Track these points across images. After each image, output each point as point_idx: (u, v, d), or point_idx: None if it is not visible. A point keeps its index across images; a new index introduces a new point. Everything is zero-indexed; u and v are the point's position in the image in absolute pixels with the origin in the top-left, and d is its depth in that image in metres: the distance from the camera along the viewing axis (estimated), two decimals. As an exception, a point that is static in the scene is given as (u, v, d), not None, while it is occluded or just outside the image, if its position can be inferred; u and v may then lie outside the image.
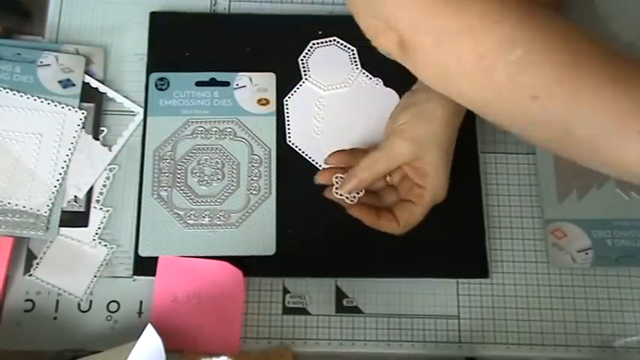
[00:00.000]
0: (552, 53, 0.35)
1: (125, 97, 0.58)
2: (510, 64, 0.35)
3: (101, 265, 0.54)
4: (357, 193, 0.53)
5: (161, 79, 0.58)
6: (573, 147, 0.38)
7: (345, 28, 0.60)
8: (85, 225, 0.55)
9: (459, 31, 0.36)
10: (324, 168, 0.56)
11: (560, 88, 0.35)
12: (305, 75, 0.59)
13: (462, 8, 0.36)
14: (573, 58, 0.35)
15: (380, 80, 0.59)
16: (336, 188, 0.53)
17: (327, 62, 0.59)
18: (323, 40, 0.60)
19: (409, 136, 0.51)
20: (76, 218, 0.55)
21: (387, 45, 0.40)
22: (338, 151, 0.56)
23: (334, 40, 0.60)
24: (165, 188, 0.55)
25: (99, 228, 0.55)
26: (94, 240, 0.54)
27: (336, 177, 0.54)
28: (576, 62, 0.35)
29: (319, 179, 0.55)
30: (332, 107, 0.58)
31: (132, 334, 0.47)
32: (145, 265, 0.53)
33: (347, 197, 0.53)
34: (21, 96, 0.56)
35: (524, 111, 0.37)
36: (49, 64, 0.57)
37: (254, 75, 0.58)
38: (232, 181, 0.56)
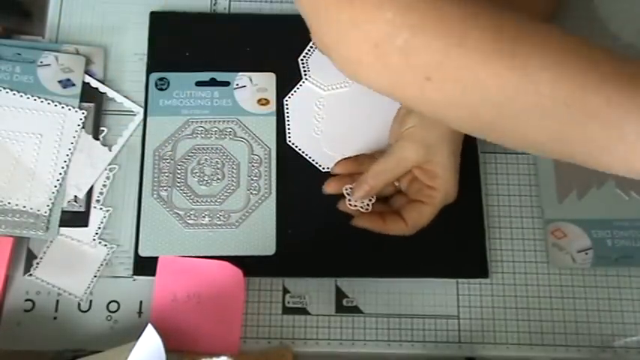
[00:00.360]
0: (438, 34, 0.35)
1: (125, 97, 0.58)
2: (401, 47, 0.36)
3: (101, 265, 0.54)
4: (370, 200, 0.53)
5: (161, 79, 0.58)
6: (490, 130, 0.38)
7: (345, 28, 0.60)
8: (85, 225, 0.55)
9: (353, 23, 0.37)
10: (330, 177, 0.56)
11: (450, 66, 0.35)
12: (305, 75, 0.59)
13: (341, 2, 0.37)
14: (459, 37, 0.35)
15: (380, 80, 0.59)
16: (349, 200, 0.53)
17: (327, 62, 0.59)
18: (323, 40, 0.60)
19: (418, 139, 0.51)
20: (76, 218, 0.55)
21: (317, 44, 0.41)
22: (344, 159, 0.56)
23: (334, 40, 0.60)
24: (165, 188, 0.55)
25: (99, 228, 0.55)
26: (94, 240, 0.54)
27: (346, 188, 0.54)
28: (462, 40, 0.35)
29: (327, 189, 0.55)
30: (332, 107, 0.58)
31: (132, 334, 0.47)
32: (145, 265, 0.53)
33: (361, 207, 0.53)
34: (21, 96, 0.56)
35: (424, 95, 0.37)
36: (49, 64, 0.57)
37: (254, 75, 0.58)
38: (232, 181, 0.56)
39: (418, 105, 0.39)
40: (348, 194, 0.54)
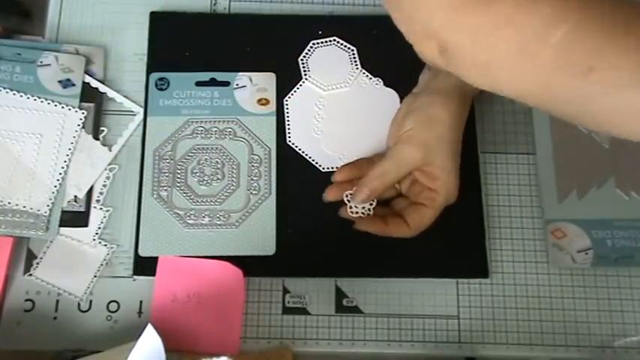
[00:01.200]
0: (597, 21, 0.34)
1: (125, 97, 0.58)
2: (556, 43, 0.34)
3: (101, 265, 0.54)
4: (371, 204, 0.53)
5: (161, 79, 0.58)
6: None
7: (345, 28, 0.60)
8: (85, 225, 0.55)
9: (495, 25, 0.35)
10: (330, 185, 0.55)
11: (613, 52, 0.33)
12: (305, 75, 0.59)
13: (493, 1, 0.35)
14: (624, 21, 0.34)
15: (380, 80, 0.59)
16: (350, 207, 0.53)
17: (327, 62, 0.59)
18: (323, 40, 0.60)
19: (417, 142, 0.51)
20: (76, 218, 0.55)
21: (427, 50, 0.39)
22: (343, 166, 0.56)
23: (334, 40, 0.60)
24: (165, 188, 0.55)
25: (99, 228, 0.55)
26: (94, 240, 0.54)
27: (347, 195, 0.54)
28: (628, 25, 0.34)
29: (328, 197, 0.55)
30: (332, 107, 0.58)
31: (132, 334, 0.47)
32: (145, 265, 0.53)
33: (362, 212, 0.53)
34: (21, 96, 0.56)
35: (579, 88, 0.35)
36: (49, 64, 0.57)
37: (254, 75, 0.58)
38: (232, 181, 0.56)
39: (570, 99, 0.36)
40: (348, 200, 0.53)
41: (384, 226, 0.52)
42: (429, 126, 0.50)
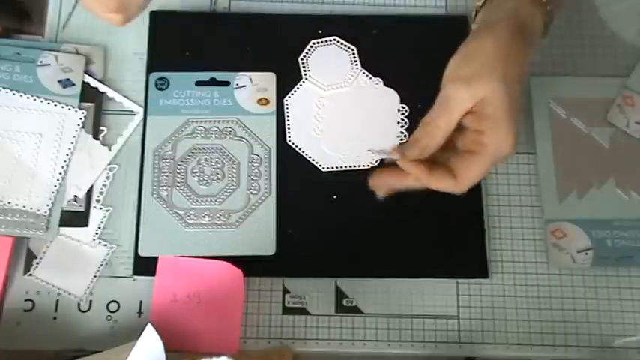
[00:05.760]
0: None
1: (125, 96, 0.58)
2: None
3: (101, 264, 0.54)
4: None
5: (161, 78, 0.58)
6: None
7: (345, 28, 0.60)
8: (85, 225, 0.55)
9: None
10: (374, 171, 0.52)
11: None
12: (305, 75, 0.59)
13: None
14: None
15: (380, 80, 0.59)
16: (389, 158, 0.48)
17: (327, 62, 0.59)
18: (323, 40, 0.60)
19: (461, 77, 0.45)
20: (76, 218, 0.55)
21: None
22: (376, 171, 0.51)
23: (334, 40, 0.60)
24: (165, 188, 0.55)
25: (99, 228, 0.55)
26: (94, 240, 0.54)
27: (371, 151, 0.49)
28: None
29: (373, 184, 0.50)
30: (332, 107, 0.58)
31: (132, 334, 0.47)
32: (144, 265, 0.53)
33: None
34: (21, 96, 0.56)
35: None
36: (48, 64, 0.57)
37: (254, 75, 0.58)
38: (232, 180, 0.56)
39: None
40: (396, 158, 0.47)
41: (428, 173, 0.46)
42: (473, 57, 0.45)
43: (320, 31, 0.60)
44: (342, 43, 0.60)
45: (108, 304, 0.53)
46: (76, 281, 0.53)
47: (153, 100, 0.57)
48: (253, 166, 0.56)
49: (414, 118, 0.51)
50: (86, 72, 0.58)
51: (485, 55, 0.45)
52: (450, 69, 0.46)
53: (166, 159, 0.56)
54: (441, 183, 0.46)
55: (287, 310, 0.54)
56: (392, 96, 0.58)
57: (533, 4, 0.48)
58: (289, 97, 0.58)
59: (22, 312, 0.52)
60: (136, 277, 0.54)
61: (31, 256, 0.54)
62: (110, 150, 0.57)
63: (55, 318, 0.53)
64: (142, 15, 0.59)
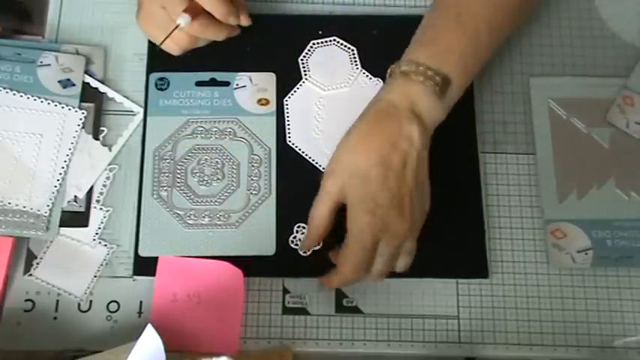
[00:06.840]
0: None
1: (125, 97, 0.58)
2: None
3: (101, 265, 0.54)
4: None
5: (161, 79, 0.58)
6: None
7: (345, 28, 0.60)
8: (85, 225, 0.55)
9: None
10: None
11: None
12: (305, 75, 0.59)
13: None
14: None
15: (380, 80, 0.59)
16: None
17: (327, 62, 0.59)
18: (323, 40, 0.60)
19: (329, 168, 0.50)
20: (76, 218, 0.55)
21: None
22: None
23: (334, 40, 0.60)
24: (165, 188, 0.55)
25: (99, 228, 0.55)
26: (94, 240, 0.54)
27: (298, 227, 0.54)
28: None
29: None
30: (332, 107, 0.58)
31: (132, 334, 0.47)
32: (144, 265, 0.53)
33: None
34: (21, 96, 0.56)
35: None
36: (49, 64, 0.57)
37: (254, 75, 0.58)
38: (232, 181, 0.56)
39: None
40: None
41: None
42: (339, 147, 0.50)
43: (320, 32, 0.60)
44: (342, 44, 0.60)
45: (108, 305, 0.53)
46: (76, 281, 0.53)
47: (153, 100, 0.57)
48: (253, 166, 0.56)
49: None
50: (86, 72, 0.58)
51: (346, 146, 0.49)
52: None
53: (166, 159, 0.56)
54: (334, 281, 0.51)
55: (287, 311, 0.54)
56: (392, 96, 0.58)
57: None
58: (289, 97, 0.58)
59: (22, 312, 0.52)
60: (136, 277, 0.54)
61: (31, 257, 0.54)
62: (110, 150, 0.57)
63: (55, 318, 0.53)
64: (142, 15, 0.60)
